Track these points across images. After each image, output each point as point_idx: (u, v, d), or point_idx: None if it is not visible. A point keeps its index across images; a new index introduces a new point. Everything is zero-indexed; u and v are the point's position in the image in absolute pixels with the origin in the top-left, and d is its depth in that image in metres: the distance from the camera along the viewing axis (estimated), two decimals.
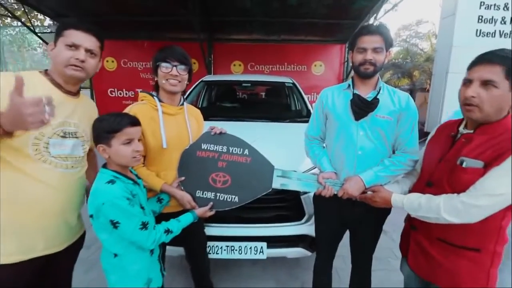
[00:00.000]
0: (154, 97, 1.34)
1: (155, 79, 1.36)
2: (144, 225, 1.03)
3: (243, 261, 2.30)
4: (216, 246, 1.79)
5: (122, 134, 1.00)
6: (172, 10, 5.64)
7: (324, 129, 1.45)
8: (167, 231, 1.12)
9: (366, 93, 1.30)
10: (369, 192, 1.25)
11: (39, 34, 6.72)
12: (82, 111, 1.15)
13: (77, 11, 5.99)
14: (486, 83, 0.91)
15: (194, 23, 5.61)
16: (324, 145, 1.48)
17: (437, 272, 1.06)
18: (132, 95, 7.74)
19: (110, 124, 1.00)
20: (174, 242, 1.23)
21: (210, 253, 1.76)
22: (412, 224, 1.17)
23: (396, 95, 1.31)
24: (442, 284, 1.06)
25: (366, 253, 1.47)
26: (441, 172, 1.05)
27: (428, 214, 1.01)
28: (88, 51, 1.07)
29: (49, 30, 7.94)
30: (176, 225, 1.17)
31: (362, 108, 1.27)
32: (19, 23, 7.03)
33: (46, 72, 1.09)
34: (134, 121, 1.05)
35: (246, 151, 1.37)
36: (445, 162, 1.04)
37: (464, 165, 0.96)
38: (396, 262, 2.36)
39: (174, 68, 1.29)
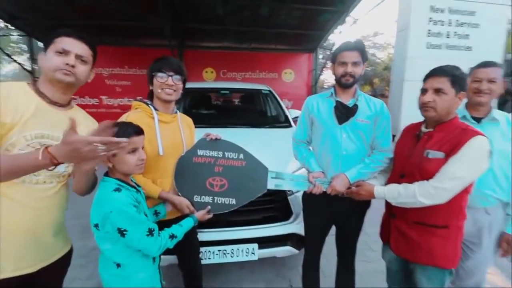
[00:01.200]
0: (150, 105, 1.36)
1: (150, 88, 1.38)
2: (151, 232, 1.04)
3: (231, 265, 2.34)
4: (208, 251, 1.81)
5: (128, 144, 1.00)
6: (141, 16, 5.53)
7: (310, 133, 1.58)
8: (172, 236, 1.14)
9: (347, 101, 1.46)
10: (353, 187, 1.39)
11: None
12: None
13: (34, 14, 5.59)
14: (438, 91, 1.18)
15: (165, 29, 5.55)
16: (310, 147, 1.61)
17: (416, 251, 1.25)
18: (96, 102, 7.36)
19: (114, 133, 1.00)
20: (168, 250, 1.19)
21: (203, 259, 1.78)
22: (391, 213, 1.34)
23: (372, 102, 1.49)
24: (421, 261, 1.24)
25: (351, 242, 1.61)
26: (411, 165, 1.26)
27: (406, 200, 1.20)
28: (78, 57, 1.05)
29: (0, 33, 7.29)
30: (179, 230, 1.19)
31: (344, 113, 1.43)
32: None
33: (34, 83, 1.06)
34: (138, 130, 1.07)
35: (241, 155, 1.45)
36: (414, 156, 1.26)
37: (429, 156, 1.19)
38: (371, 253, 2.58)
39: (170, 78, 1.33)
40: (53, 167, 0.83)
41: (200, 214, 1.33)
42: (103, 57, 6.94)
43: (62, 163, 0.83)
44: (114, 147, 0.86)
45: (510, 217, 1.43)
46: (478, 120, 1.46)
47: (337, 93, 1.49)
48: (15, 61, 7.31)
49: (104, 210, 0.97)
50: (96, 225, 1.00)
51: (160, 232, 1.11)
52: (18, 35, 7.50)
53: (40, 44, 7.20)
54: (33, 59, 7.07)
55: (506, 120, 1.44)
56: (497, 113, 1.45)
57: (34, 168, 0.84)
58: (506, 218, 1.44)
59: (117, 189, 1.01)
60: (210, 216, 1.38)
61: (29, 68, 7.06)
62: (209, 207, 1.37)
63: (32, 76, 6.97)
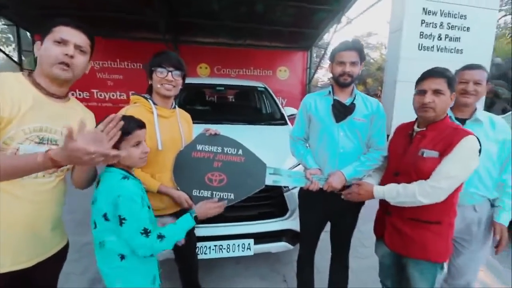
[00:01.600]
0: (149, 100, 1.36)
1: (150, 83, 1.37)
2: (146, 232, 1.01)
3: (226, 260, 2.35)
4: (205, 246, 1.82)
5: (132, 137, 1.01)
6: (135, 8, 5.42)
7: (307, 131, 1.60)
8: (160, 236, 1.04)
9: (344, 99, 1.49)
10: (353, 187, 1.41)
11: None
12: (71, 118, 1.06)
13: (23, 3, 5.39)
14: (436, 92, 1.22)
15: (159, 23, 5.46)
16: (307, 145, 1.64)
17: (409, 246, 1.29)
18: (87, 96, 7.18)
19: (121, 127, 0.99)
20: None
21: (199, 254, 1.80)
22: (387, 211, 1.38)
23: (368, 101, 1.52)
24: (414, 255, 1.29)
25: (345, 239, 1.65)
26: (406, 164, 1.29)
27: (405, 199, 1.23)
28: (77, 47, 1.02)
29: None
30: (171, 228, 1.11)
31: (341, 112, 1.46)
32: None
33: (29, 74, 1.04)
34: (141, 124, 1.06)
35: (240, 151, 1.45)
36: (409, 155, 1.29)
37: (424, 155, 1.23)
38: (364, 250, 2.64)
39: (169, 73, 1.33)
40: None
41: (200, 206, 1.29)
42: (95, 49, 6.74)
43: (65, 165, 0.84)
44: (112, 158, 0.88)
45: (499, 208, 1.46)
46: (462, 121, 1.49)
47: (335, 92, 1.51)
48: (1, 51, 7.05)
49: (113, 195, 0.97)
50: (105, 215, 0.99)
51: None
52: (3, 24, 7.23)
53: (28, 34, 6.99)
54: (20, 50, 6.84)
55: (489, 121, 1.48)
56: (480, 114, 1.48)
57: (36, 170, 0.84)
58: (495, 209, 1.48)
59: (125, 177, 1.02)
60: (221, 205, 1.30)
61: (16, 59, 6.83)
62: (216, 198, 1.35)
63: (20, 67, 6.74)
